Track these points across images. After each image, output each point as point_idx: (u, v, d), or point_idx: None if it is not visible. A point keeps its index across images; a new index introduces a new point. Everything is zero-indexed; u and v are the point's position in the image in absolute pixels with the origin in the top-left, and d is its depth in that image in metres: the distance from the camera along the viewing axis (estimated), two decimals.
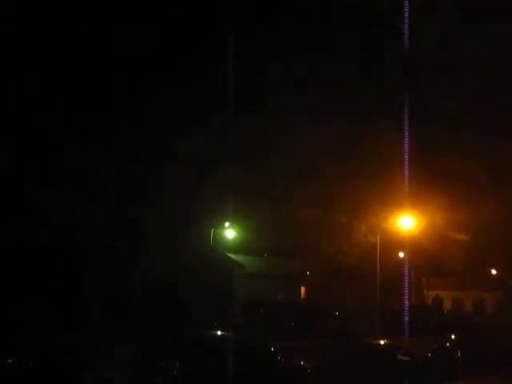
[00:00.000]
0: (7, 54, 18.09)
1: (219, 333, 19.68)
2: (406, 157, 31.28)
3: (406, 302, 38.53)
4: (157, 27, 17.38)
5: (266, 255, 55.16)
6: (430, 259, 48.22)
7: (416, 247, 45.56)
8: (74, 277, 21.08)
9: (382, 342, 24.08)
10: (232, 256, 47.53)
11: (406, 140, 30.01)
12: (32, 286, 21.25)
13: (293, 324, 37.83)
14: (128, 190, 20.89)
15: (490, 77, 30.31)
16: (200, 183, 21.32)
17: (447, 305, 62.95)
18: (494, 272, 52.93)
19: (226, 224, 50.00)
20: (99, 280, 20.36)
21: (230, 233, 50.40)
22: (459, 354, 25.75)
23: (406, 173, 31.56)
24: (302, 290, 52.32)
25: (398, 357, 22.01)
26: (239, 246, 51.51)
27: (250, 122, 23.26)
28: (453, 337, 28.55)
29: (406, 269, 46.28)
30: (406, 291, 41.63)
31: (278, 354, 18.66)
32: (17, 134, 19.36)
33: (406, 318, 30.66)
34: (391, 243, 46.40)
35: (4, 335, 16.96)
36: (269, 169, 30.11)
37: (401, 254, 48.68)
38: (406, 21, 22.89)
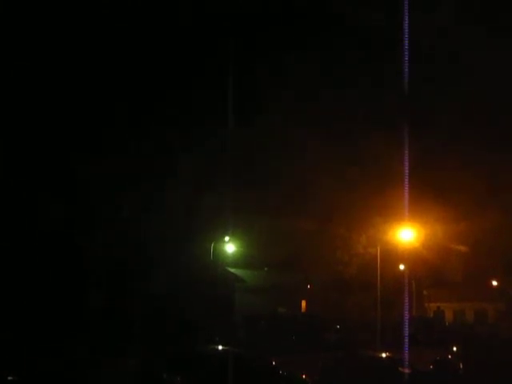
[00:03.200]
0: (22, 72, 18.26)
1: (220, 347, 19.66)
2: (406, 170, 31.42)
3: (407, 314, 38.46)
4: (162, 44, 17.54)
5: (266, 269, 55.08)
6: (430, 271, 48.19)
7: (416, 259, 45.55)
8: (77, 290, 21.11)
9: (383, 355, 24.03)
10: (232, 270, 47.49)
11: (406, 153, 30.18)
12: (36, 299, 21.29)
13: (294, 337, 37.74)
14: (131, 206, 21.01)
15: (490, 90, 30.50)
16: (200, 199, 21.39)
17: (449, 316, 62.76)
18: (494, 283, 52.84)
19: (226, 238, 50.02)
20: (102, 294, 20.37)
21: (229, 247, 50.37)
22: (461, 366, 25.67)
23: (406, 185, 31.62)
24: (303, 303, 52.22)
25: (399, 369, 21.97)
26: (239, 261, 51.46)
27: (250, 138, 23.46)
28: (455, 349, 28.48)
29: (407, 281, 46.29)
30: (407, 303, 41.59)
31: (279, 367, 18.64)
32: (31, 150, 19.55)
33: (407, 330, 30.57)
34: (391, 255, 46.37)
35: (5, 352, 16.98)
36: (269, 183, 30.18)
37: (401, 266, 48.67)
38: (406, 34, 22.89)
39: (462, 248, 40.75)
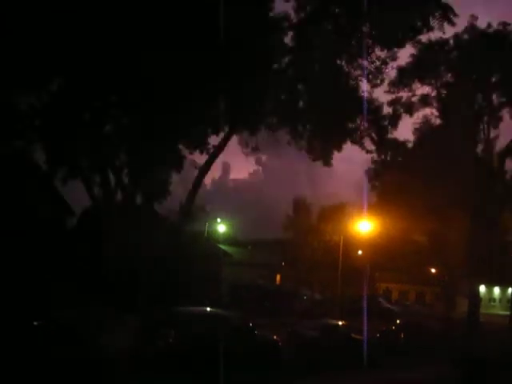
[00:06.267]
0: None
1: (208, 309, 19.67)
2: (366, 177, 32.33)
3: (362, 292, 38.82)
4: (165, 61, 17.26)
5: (249, 247, 55.30)
6: (383, 257, 48.54)
7: (372, 247, 45.84)
8: (97, 265, 20.98)
9: (340, 323, 24.18)
10: (222, 247, 47.59)
11: (367, 165, 31.21)
12: (62, 263, 21.27)
13: (269, 305, 37.85)
14: (143, 193, 20.91)
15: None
16: (198, 187, 21.41)
17: (395, 296, 63.28)
18: (433, 271, 53.40)
19: (218, 220, 50.18)
20: (116, 265, 20.17)
21: (221, 227, 50.53)
22: (402, 336, 25.90)
23: (365, 189, 32.46)
24: (278, 277, 52.44)
25: (353, 336, 22.14)
26: (229, 239, 51.65)
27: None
28: (398, 321, 28.71)
29: (368, 267, 46.83)
30: (364, 284, 42.12)
31: (255, 328, 18.69)
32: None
33: (361, 305, 30.88)
34: (352, 243, 46.62)
35: (32, 303, 16.97)
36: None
37: (359, 252, 49.01)
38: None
39: (409, 242, 41.07)
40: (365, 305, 30.63)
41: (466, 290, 36.23)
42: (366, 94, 24.18)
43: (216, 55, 17.79)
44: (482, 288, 51.43)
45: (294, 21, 22.28)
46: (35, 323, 14.89)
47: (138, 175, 20.58)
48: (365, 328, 22.45)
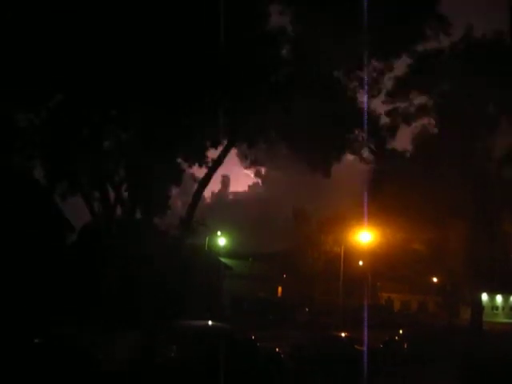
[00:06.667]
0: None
1: (210, 323, 19.57)
2: (366, 187, 32.36)
3: (364, 303, 38.68)
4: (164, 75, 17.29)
5: (250, 260, 55.18)
6: (384, 267, 48.47)
7: (373, 257, 45.78)
8: (93, 283, 20.87)
9: (342, 335, 24.08)
10: (223, 259, 47.47)
11: (367, 176, 31.22)
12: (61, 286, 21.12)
13: (271, 317, 37.72)
14: (141, 207, 20.85)
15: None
16: (197, 200, 21.35)
17: (397, 305, 63.07)
18: (435, 280, 53.27)
19: (219, 233, 50.13)
20: (113, 282, 20.02)
21: (221, 240, 50.49)
22: (406, 346, 25.77)
23: (365, 199, 32.54)
24: (279, 289, 52.25)
25: (356, 347, 22.03)
26: (229, 252, 51.57)
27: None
28: (401, 331, 28.58)
29: (369, 278, 46.67)
30: (366, 294, 41.97)
31: (257, 341, 18.60)
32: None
33: (363, 315, 30.76)
34: (353, 253, 46.57)
35: (35, 322, 16.90)
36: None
37: (360, 262, 48.91)
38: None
39: (410, 251, 41.03)
40: (367, 315, 30.50)
41: (468, 299, 36.12)
42: (364, 105, 24.29)
43: (214, 69, 17.85)
44: (485, 296, 51.25)
45: (291, 34, 22.38)
46: (36, 340, 14.82)
47: (138, 190, 20.54)
48: (365, 339, 22.33)
